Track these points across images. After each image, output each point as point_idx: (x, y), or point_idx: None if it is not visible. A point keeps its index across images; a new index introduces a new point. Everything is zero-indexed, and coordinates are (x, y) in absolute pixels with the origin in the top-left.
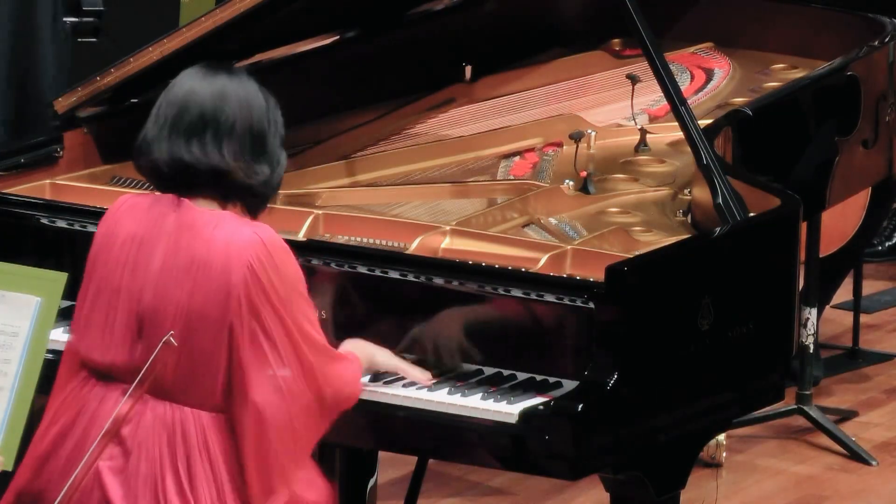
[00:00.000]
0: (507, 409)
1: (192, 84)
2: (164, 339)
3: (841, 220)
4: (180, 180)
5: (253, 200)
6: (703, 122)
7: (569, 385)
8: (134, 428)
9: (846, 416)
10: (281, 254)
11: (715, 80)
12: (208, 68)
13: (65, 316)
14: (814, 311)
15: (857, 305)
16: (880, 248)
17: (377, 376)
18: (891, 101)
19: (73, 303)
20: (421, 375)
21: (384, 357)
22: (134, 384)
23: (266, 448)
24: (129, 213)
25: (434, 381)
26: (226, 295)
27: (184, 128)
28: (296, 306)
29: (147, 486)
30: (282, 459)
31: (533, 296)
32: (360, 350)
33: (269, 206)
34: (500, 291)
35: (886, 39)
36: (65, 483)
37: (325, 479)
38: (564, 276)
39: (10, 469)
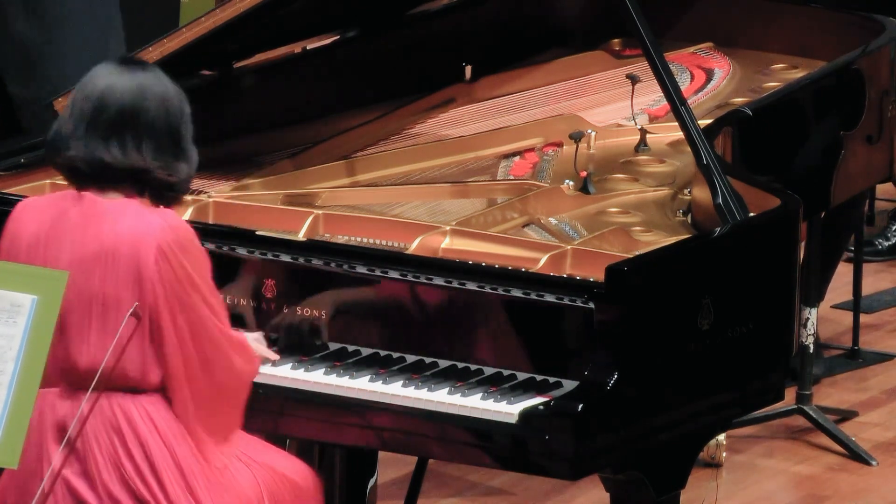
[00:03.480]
0: (507, 409)
1: (110, 80)
2: (129, 312)
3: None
4: (98, 178)
5: (169, 196)
6: (703, 122)
7: (569, 385)
8: (77, 427)
9: (846, 416)
10: (187, 239)
11: (715, 80)
12: (124, 64)
13: None
14: (814, 311)
15: (857, 305)
16: (880, 247)
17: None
18: (892, 98)
19: None
20: (270, 355)
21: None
22: (98, 373)
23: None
24: (30, 216)
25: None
26: (138, 279)
27: (102, 126)
28: (199, 292)
29: (114, 479)
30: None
31: (533, 296)
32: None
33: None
34: (500, 291)
35: (888, 39)
36: (28, 498)
37: (309, 467)
38: (564, 276)
39: (15, 467)
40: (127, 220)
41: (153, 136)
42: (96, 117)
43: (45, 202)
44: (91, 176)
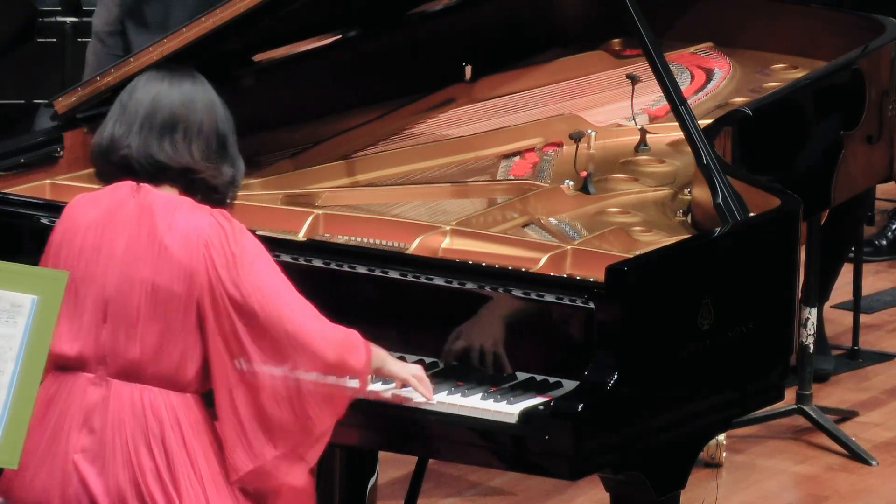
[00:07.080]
0: (507, 409)
1: (159, 87)
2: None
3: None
4: (152, 175)
5: (215, 198)
6: (703, 122)
7: (569, 385)
8: (102, 414)
9: (846, 416)
10: (237, 231)
11: (715, 80)
12: (169, 72)
13: None
14: (814, 311)
15: (857, 305)
16: (880, 247)
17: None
18: (893, 97)
19: None
20: (426, 392)
21: (397, 366)
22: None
23: (261, 415)
24: (88, 205)
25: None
26: (189, 274)
27: (157, 126)
28: (263, 272)
29: (125, 471)
30: (280, 424)
31: (533, 296)
32: (374, 348)
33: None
34: (500, 291)
35: (888, 39)
36: (38, 475)
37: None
38: (564, 276)
39: (14, 467)
40: (179, 216)
41: (202, 138)
42: (150, 119)
43: (101, 193)
44: (146, 172)
